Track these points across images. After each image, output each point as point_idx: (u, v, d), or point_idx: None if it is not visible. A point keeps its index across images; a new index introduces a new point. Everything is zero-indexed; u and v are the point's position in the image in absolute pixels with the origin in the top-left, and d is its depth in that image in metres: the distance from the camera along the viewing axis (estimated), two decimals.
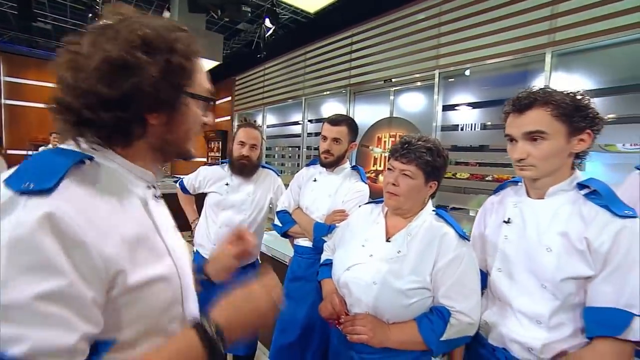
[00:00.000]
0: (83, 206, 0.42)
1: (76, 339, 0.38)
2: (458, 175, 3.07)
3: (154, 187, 0.59)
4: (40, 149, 5.43)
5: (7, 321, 0.34)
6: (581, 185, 0.83)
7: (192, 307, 0.60)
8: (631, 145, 2.18)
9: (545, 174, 0.84)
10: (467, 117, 3.05)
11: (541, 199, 0.87)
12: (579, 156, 0.85)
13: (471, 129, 3.00)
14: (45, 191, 0.39)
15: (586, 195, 0.81)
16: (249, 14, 4.51)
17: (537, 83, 2.55)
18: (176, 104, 0.52)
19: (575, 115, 0.79)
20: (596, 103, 2.22)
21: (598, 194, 0.79)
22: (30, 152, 6.58)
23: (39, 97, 6.98)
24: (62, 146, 0.49)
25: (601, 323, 0.74)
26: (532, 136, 0.82)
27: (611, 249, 0.74)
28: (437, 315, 0.93)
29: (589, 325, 0.76)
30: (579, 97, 0.81)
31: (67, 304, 0.38)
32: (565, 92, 0.82)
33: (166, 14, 4.33)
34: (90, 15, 4.70)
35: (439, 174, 1.03)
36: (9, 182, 0.40)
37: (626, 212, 0.75)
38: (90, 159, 0.47)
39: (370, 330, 0.93)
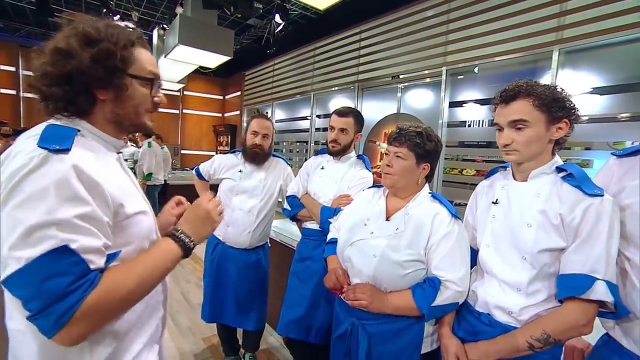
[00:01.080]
0: (90, 160, 0.61)
1: (101, 244, 0.58)
2: (464, 172, 3.12)
3: (121, 152, 0.78)
4: None
5: (62, 231, 0.53)
6: (559, 169, 0.92)
7: (160, 235, 0.80)
8: None
9: (527, 158, 0.93)
10: (474, 113, 3.08)
11: (525, 181, 0.96)
12: (558, 143, 0.95)
13: (478, 126, 3.04)
14: (66, 150, 0.57)
15: (563, 178, 0.90)
16: (260, 10, 4.58)
17: (544, 80, 2.60)
18: (117, 82, 0.66)
19: (553, 105, 0.88)
20: (603, 101, 2.27)
21: (573, 177, 0.88)
22: None
23: None
24: (53, 121, 0.65)
25: (569, 286, 0.84)
26: (516, 124, 0.91)
27: (580, 223, 0.83)
28: (429, 284, 1.02)
29: (560, 290, 0.86)
30: (558, 89, 0.91)
31: (93, 223, 0.57)
32: (546, 85, 0.92)
33: (179, 10, 4.44)
34: (105, 10, 4.83)
35: (430, 157, 1.12)
36: (41, 144, 0.56)
37: (595, 191, 0.83)
38: (78, 131, 0.64)
39: (369, 297, 1.04)
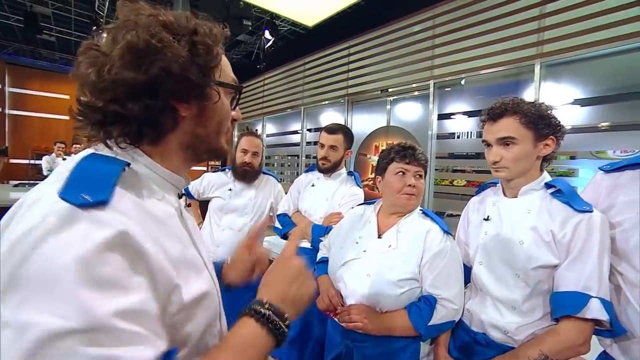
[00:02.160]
0: (139, 217, 0.40)
1: (155, 355, 0.35)
2: (455, 183, 3.14)
3: (182, 194, 0.54)
4: (44, 157, 5.50)
5: (93, 345, 0.31)
6: (548, 185, 0.93)
7: (224, 321, 0.57)
8: (621, 152, 2.27)
9: (516, 174, 0.94)
10: (462, 125, 3.14)
11: (515, 197, 0.97)
12: (546, 159, 0.97)
13: (467, 137, 3.08)
14: (102, 203, 0.36)
15: (552, 194, 0.91)
16: (250, 27, 4.64)
17: (528, 92, 2.68)
18: (207, 91, 0.48)
19: (539, 122, 0.90)
20: (585, 112, 2.34)
21: (562, 193, 0.89)
22: (32, 161, 6.65)
23: (42, 108, 7.10)
24: (94, 151, 0.45)
25: (564, 305, 0.83)
26: (505, 141, 0.92)
27: (572, 240, 0.83)
28: (425, 303, 1.02)
29: (554, 308, 0.85)
30: (543, 107, 0.93)
31: (142, 321, 0.35)
32: (532, 103, 0.94)
33: None
34: (95, 27, 4.84)
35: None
36: (64, 195, 0.36)
37: (584, 207, 0.84)
38: (128, 165, 0.44)
39: (364, 318, 1.01)
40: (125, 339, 0.33)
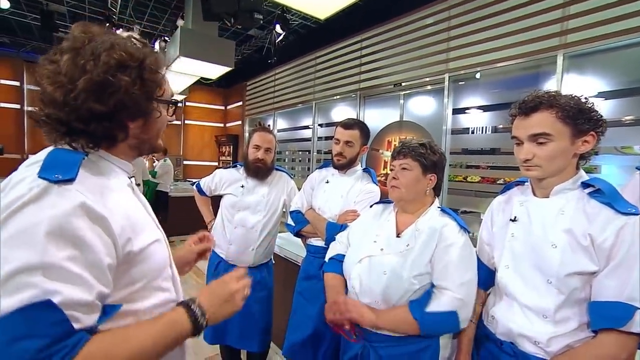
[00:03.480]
0: (98, 190, 0.54)
1: (94, 296, 0.49)
2: (469, 179, 3.07)
3: (133, 177, 0.71)
4: None
5: (45, 277, 0.45)
6: (585, 184, 0.86)
7: (175, 270, 0.73)
8: None
9: (550, 174, 0.86)
10: (477, 120, 3.05)
11: (546, 197, 0.89)
12: (584, 157, 0.88)
13: (482, 132, 3.00)
14: (69, 180, 0.50)
15: (590, 194, 0.83)
16: (261, 21, 4.60)
17: (549, 85, 2.57)
18: (151, 110, 0.63)
19: (579, 117, 0.82)
20: (610, 105, 2.24)
21: (601, 192, 0.81)
22: None
23: None
24: (56, 147, 0.58)
25: (605, 316, 0.76)
26: (538, 138, 0.84)
27: (614, 245, 0.76)
28: (426, 293, 0.99)
29: (593, 319, 0.78)
30: (583, 100, 0.85)
31: (89, 268, 0.49)
32: (569, 96, 0.85)
33: (180, 22, 4.47)
34: (108, 24, 4.89)
35: (436, 168, 1.11)
36: (41, 174, 0.50)
37: (629, 209, 0.76)
38: (87, 155, 0.58)
39: (359, 309, 1.00)
40: (72, 279, 0.47)
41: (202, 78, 4.72)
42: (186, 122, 7.95)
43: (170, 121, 0.72)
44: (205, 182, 1.91)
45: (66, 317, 0.45)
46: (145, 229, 0.62)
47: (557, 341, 0.82)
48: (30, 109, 6.83)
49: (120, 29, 4.96)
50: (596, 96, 2.34)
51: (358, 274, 1.08)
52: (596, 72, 2.37)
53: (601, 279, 0.78)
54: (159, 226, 0.69)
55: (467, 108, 3.13)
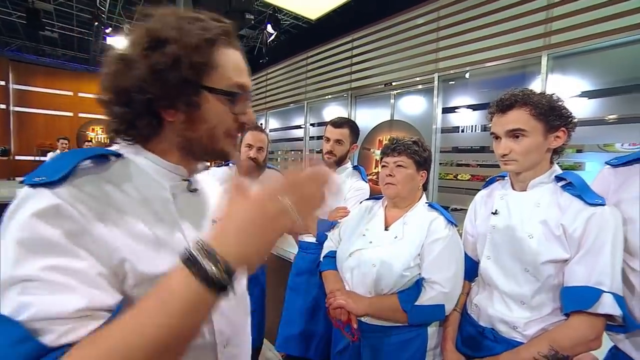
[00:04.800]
0: (88, 196, 0.44)
1: (83, 304, 0.38)
2: (459, 177, 3.12)
3: (189, 180, 0.58)
4: (48, 154, 5.55)
5: (24, 293, 0.37)
6: (559, 178, 0.91)
7: None
8: (630, 144, 2.24)
9: (526, 167, 0.92)
10: (467, 119, 3.10)
11: (524, 191, 0.95)
12: (557, 151, 0.93)
13: (471, 131, 3.06)
14: (52, 183, 0.42)
15: (563, 187, 0.89)
16: (252, 21, 4.61)
17: (534, 85, 2.64)
18: (188, 99, 0.49)
19: (550, 114, 0.87)
20: (593, 104, 2.31)
21: (573, 186, 0.87)
22: (37, 158, 6.70)
23: (46, 104, 7.13)
24: (78, 148, 0.57)
25: (575, 300, 0.81)
26: (514, 133, 0.90)
27: (583, 234, 0.82)
28: (415, 285, 1.03)
29: (565, 303, 0.84)
30: (554, 98, 0.91)
31: (74, 275, 0.39)
32: (542, 94, 0.91)
33: None
34: (96, 23, 4.83)
35: (426, 165, 1.16)
36: (26, 180, 0.44)
37: (596, 200, 0.82)
38: (117, 155, 0.50)
39: (348, 298, 1.04)
40: (53, 288, 0.38)
41: None
42: None
43: (245, 121, 0.56)
44: None
45: (29, 335, 0.35)
46: (159, 250, 0.48)
47: (533, 325, 0.88)
48: (16, 108, 6.71)
49: (109, 28, 4.90)
50: (579, 96, 2.41)
51: (350, 267, 1.12)
52: (579, 72, 2.44)
53: (572, 266, 0.84)
54: (188, 240, 0.52)
55: (457, 107, 3.18)
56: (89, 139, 7.30)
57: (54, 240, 0.40)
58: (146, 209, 0.50)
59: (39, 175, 0.43)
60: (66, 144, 5.48)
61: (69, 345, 0.36)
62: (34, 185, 0.42)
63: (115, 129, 0.52)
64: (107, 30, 4.91)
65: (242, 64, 0.55)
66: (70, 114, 7.28)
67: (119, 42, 4.86)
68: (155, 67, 0.47)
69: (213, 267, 0.37)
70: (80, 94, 7.47)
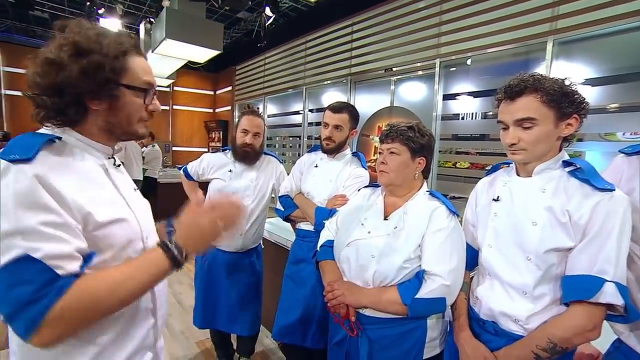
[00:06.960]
0: (55, 169, 0.60)
1: (72, 249, 0.58)
2: (459, 165, 3.09)
3: (113, 158, 0.77)
4: None
5: (27, 239, 0.54)
6: (566, 163, 0.87)
7: (150, 243, 0.77)
8: (631, 134, 2.20)
9: (535, 157, 0.87)
10: (467, 106, 3.05)
11: (529, 176, 0.90)
12: (567, 139, 0.88)
13: (472, 118, 3.01)
14: (26, 160, 0.57)
15: (570, 172, 0.85)
16: (250, 3, 4.45)
17: (539, 71, 2.56)
18: (109, 93, 0.67)
19: (563, 101, 0.82)
20: (595, 92, 2.26)
21: (581, 170, 0.83)
22: None
23: None
24: (39, 131, 0.67)
25: (575, 289, 0.78)
26: (523, 122, 0.84)
27: (589, 221, 0.78)
28: (415, 277, 0.99)
29: (565, 292, 0.81)
30: (567, 83, 0.83)
31: (61, 228, 0.57)
32: (553, 79, 0.84)
33: (166, 3, 4.29)
34: (89, 3, 4.65)
35: (425, 151, 1.10)
36: (2, 155, 0.57)
37: (605, 186, 0.78)
38: (59, 138, 0.65)
39: (345, 290, 1.03)
40: (47, 238, 0.56)
41: (189, 62, 4.58)
42: (174, 107, 7.76)
43: (152, 111, 0.75)
44: (193, 167, 1.87)
45: (48, 267, 0.55)
46: (109, 206, 0.67)
47: (535, 318, 0.85)
48: (7, 92, 6.55)
49: (102, 9, 4.74)
50: (583, 83, 2.35)
51: (347, 257, 1.09)
52: (584, 58, 2.38)
53: (575, 254, 0.80)
54: (130, 207, 0.73)
55: (458, 94, 3.12)
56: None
57: (45, 200, 0.56)
58: (92, 177, 0.68)
59: (13, 153, 0.57)
60: None
61: (73, 275, 0.57)
62: (12, 161, 0.56)
63: (45, 115, 0.66)
64: (100, 11, 4.75)
65: (148, 67, 0.74)
66: None
67: (112, 24, 4.72)
68: (84, 69, 0.63)
69: (176, 252, 0.67)
70: None
